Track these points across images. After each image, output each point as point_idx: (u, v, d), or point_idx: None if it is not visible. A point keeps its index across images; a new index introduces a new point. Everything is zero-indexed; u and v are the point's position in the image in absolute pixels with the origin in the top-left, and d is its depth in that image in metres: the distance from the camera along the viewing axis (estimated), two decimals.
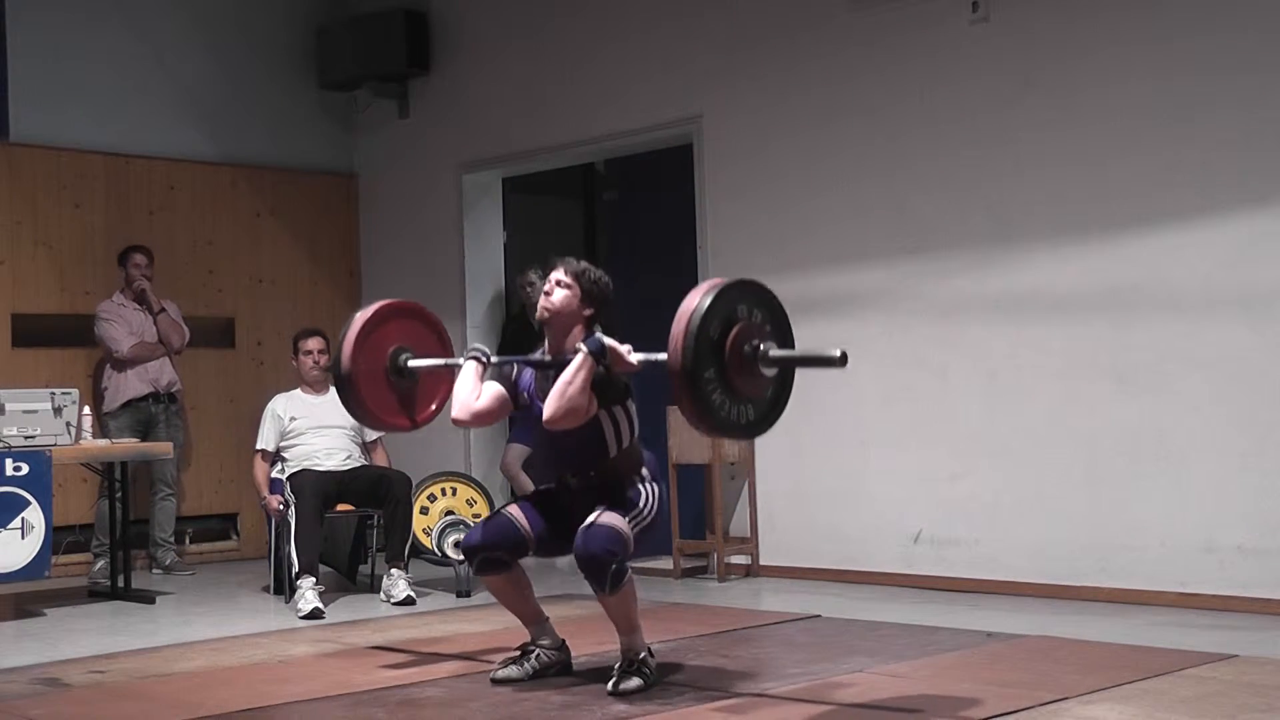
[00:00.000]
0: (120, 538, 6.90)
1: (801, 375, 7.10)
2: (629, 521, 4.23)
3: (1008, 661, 4.59)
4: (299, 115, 8.99)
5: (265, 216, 8.80)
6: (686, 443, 7.01)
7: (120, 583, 6.82)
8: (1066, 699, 3.96)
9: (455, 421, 4.52)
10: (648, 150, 7.87)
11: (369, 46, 8.64)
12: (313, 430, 6.72)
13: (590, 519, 4.21)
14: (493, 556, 4.38)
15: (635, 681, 4.22)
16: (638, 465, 4.39)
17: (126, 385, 7.63)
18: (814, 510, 6.88)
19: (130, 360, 7.62)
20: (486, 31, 8.45)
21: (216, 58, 8.64)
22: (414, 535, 6.66)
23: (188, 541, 8.25)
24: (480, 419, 4.51)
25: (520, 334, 8.30)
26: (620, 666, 4.27)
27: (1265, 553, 5.46)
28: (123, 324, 7.66)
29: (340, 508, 6.66)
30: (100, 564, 7.31)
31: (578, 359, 4.16)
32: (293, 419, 6.75)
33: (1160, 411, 5.76)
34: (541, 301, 4.40)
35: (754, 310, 3.94)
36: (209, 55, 8.61)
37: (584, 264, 4.42)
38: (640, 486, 4.35)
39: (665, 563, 7.18)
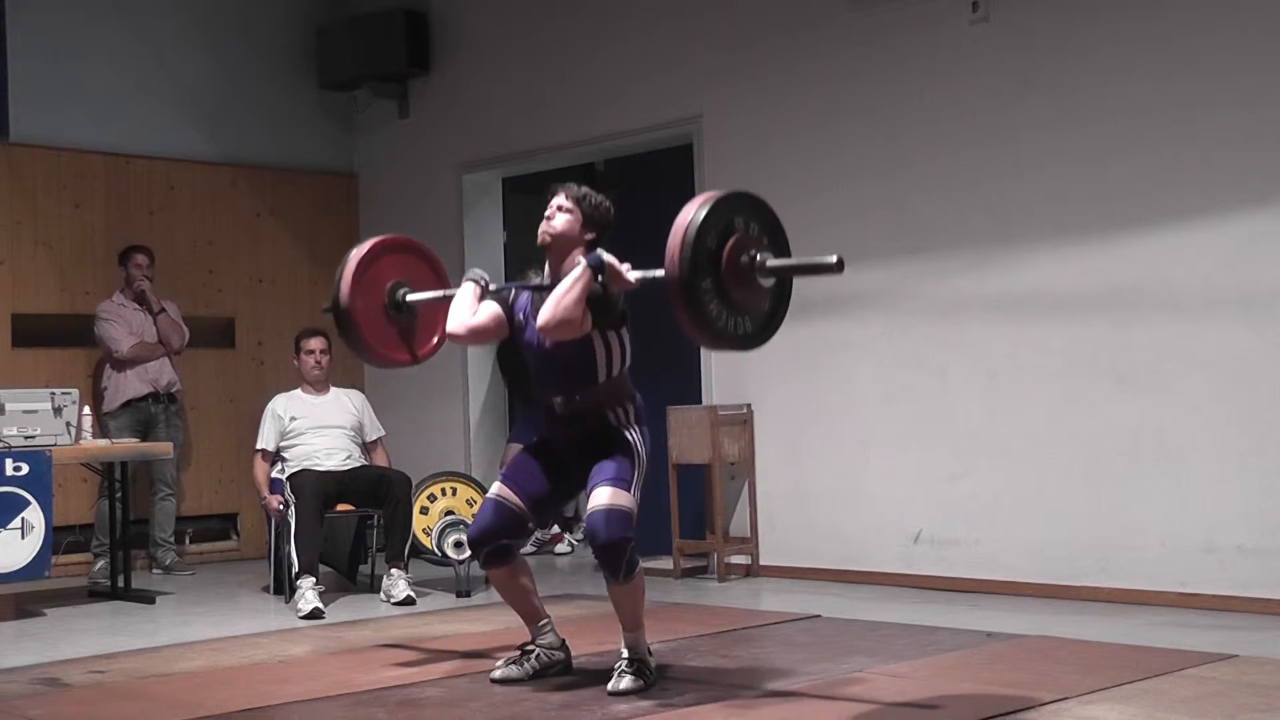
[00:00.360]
0: (120, 538, 6.90)
1: (806, 370, 7.11)
2: (632, 491, 4.23)
3: (1008, 661, 4.59)
4: (299, 115, 8.99)
5: (265, 216, 8.80)
6: (686, 443, 7.02)
7: (120, 583, 6.82)
8: (1066, 699, 3.95)
9: (451, 336, 4.54)
10: (648, 150, 7.87)
11: (369, 46, 8.65)
12: (313, 430, 6.72)
13: (599, 500, 4.18)
14: (498, 546, 4.36)
15: (635, 682, 4.22)
16: (624, 397, 4.36)
17: (126, 385, 7.64)
18: (814, 510, 6.88)
19: (130, 360, 7.62)
20: (486, 31, 8.45)
21: (216, 58, 8.64)
22: (414, 535, 6.65)
23: (188, 541, 8.25)
24: (476, 335, 4.53)
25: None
26: (620, 667, 4.27)
27: (1265, 553, 5.46)
28: (123, 324, 7.66)
29: (340, 508, 6.66)
30: (100, 564, 7.31)
31: (576, 271, 4.16)
32: (293, 419, 6.75)
33: (1160, 411, 5.76)
34: (542, 226, 4.39)
35: (750, 223, 3.96)
36: (209, 55, 8.61)
37: (584, 188, 4.41)
38: (629, 434, 4.32)
39: (665, 563, 7.18)
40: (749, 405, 7.12)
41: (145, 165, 8.32)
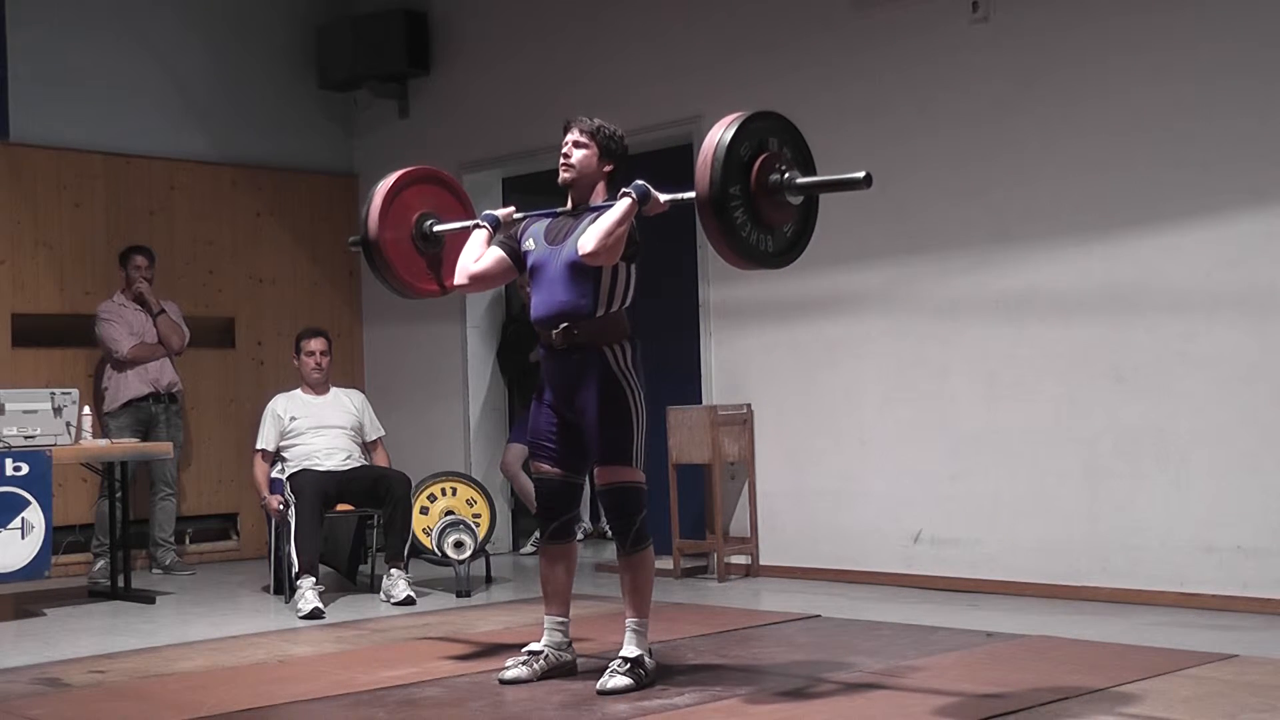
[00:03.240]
0: (120, 538, 6.90)
1: (806, 370, 7.11)
2: (634, 462, 4.32)
3: (1008, 661, 4.59)
4: (299, 115, 9.00)
5: (265, 216, 8.80)
6: (686, 443, 7.02)
7: (120, 583, 6.82)
8: (1066, 699, 3.96)
9: (455, 286, 4.65)
10: (648, 150, 7.86)
11: (369, 46, 8.64)
12: (312, 430, 6.72)
13: (606, 479, 4.31)
14: (566, 520, 4.48)
15: (624, 681, 4.21)
16: (621, 335, 4.39)
17: (127, 385, 7.64)
18: (814, 510, 6.88)
19: (130, 361, 7.62)
20: (486, 31, 8.45)
21: (216, 58, 8.64)
22: (414, 535, 6.66)
23: (188, 541, 8.25)
24: (478, 281, 4.61)
25: (520, 334, 8.32)
26: (613, 665, 4.27)
27: (1265, 553, 5.46)
28: (123, 324, 7.66)
29: (340, 508, 6.66)
30: (100, 564, 7.31)
31: (624, 203, 4.21)
32: (293, 418, 6.75)
33: (1160, 411, 5.76)
34: (561, 163, 4.43)
35: (783, 146, 4.09)
36: (209, 55, 8.62)
37: (596, 120, 4.44)
38: (626, 387, 4.33)
39: (665, 563, 7.17)
40: (749, 405, 7.12)
41: (145, 165, 8.32)
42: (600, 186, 4.43)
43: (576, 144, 4.42)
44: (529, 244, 4.49)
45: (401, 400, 8.62)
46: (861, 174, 3.95)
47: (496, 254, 4.55)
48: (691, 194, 4.02)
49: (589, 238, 4.22)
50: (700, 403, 7.23)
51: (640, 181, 4.28)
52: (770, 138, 4.08)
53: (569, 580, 4.55)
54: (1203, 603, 5.56)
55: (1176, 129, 5.73)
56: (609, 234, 4.19)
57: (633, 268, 4.39)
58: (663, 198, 4.27)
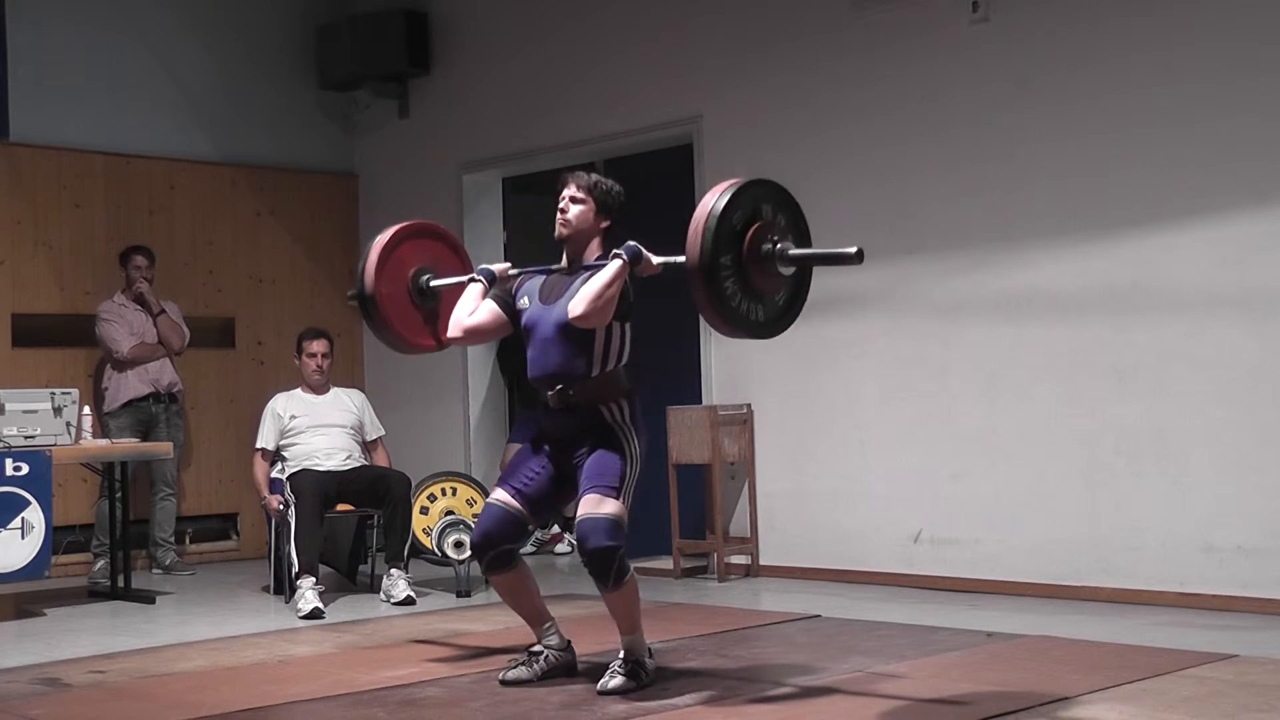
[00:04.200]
0: (120, 538, 6.90)
1: (806, 370, 7.11)
2: (621, 497, 4.22)
3: (1008, 661, 4.59)
4: (299, 115, 8.99)
5: (265, 216, 8.80)
6: (686, 443, 7.02)
7: (120, 583, 6.82)
8: (1066, 699, 3.96)
9: (449, 339, 4.66)
10: (648, 150, 7.87)
11: (369, 46, 8.64)
12: (312, 429, 6.72)
13: (587, 508, 4.18)
14: (501, 552, 4.36)
15: (623, 681, 4.21)
16: (619, 393, 4.35)
17: (127, 385, 7.64)
18: (814, 510, 6.89)
19: (130, 361, 7.62)
20: (486, 31, 8.45)
21: (216, 58, 8.64)
22: (414, 535, 6.66)
23: (188, 541, 8.25)
24: (473, 335, 4.60)
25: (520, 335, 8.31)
26: (613, 666, 4.26)
27: (1265, 553, 5.46)
28: (123, 324, 7.66)
29: (340, 508, 6.66)
30: (100, 564, 7.31)
31: (614, 265, 4.19)
32: (293, 418, 6.75)
33: (1160, 411, 5.76)
34: (559, 219, 4.41)
35: (778, 213, 4.06)
36: (209, 55, 8.62)
37: (594, 176, 4.43)
38: (624, 434, 4.31)
39: (665, 563, 7.18)
40: (749, 405, 7.12)
41: (145, 165, 8.32)
42: (596, 242, 4.39)
43: (574, 199, 4.38)
44: (524, 301, 4.47)
45: (401, 400, 8.61)
46: (854, 250, 3.92)
47: (491, 308, 4.52)
48: (683, 258, 3.96)
49: (579, 301, 4.19)
50: (700, 403, 7.23)
51: (632, 243, 4.25)
52: (764, 205, 4.02)
53: (534, 596, 4.48)
54: (1203, 603, 5.56)
55: (1176, 129, 5.73)
56: (599, 296, 4.16)
57: (626, 326, 4.36)
58: (655, 260, 4.24)
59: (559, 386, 4.33)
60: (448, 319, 4.71)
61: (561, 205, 4.40)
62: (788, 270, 4.06)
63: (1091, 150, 5.97)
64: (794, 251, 4.01)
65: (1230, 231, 5.59)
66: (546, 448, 4.44)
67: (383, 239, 4.88)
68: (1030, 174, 6.16)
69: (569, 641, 4.54)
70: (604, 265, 4.23)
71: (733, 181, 4.00)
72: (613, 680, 4.21)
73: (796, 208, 4.15)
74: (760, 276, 3.99)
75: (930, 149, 6.48)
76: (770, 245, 3.97)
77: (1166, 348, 5.75)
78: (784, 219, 4.08)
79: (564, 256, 4.45)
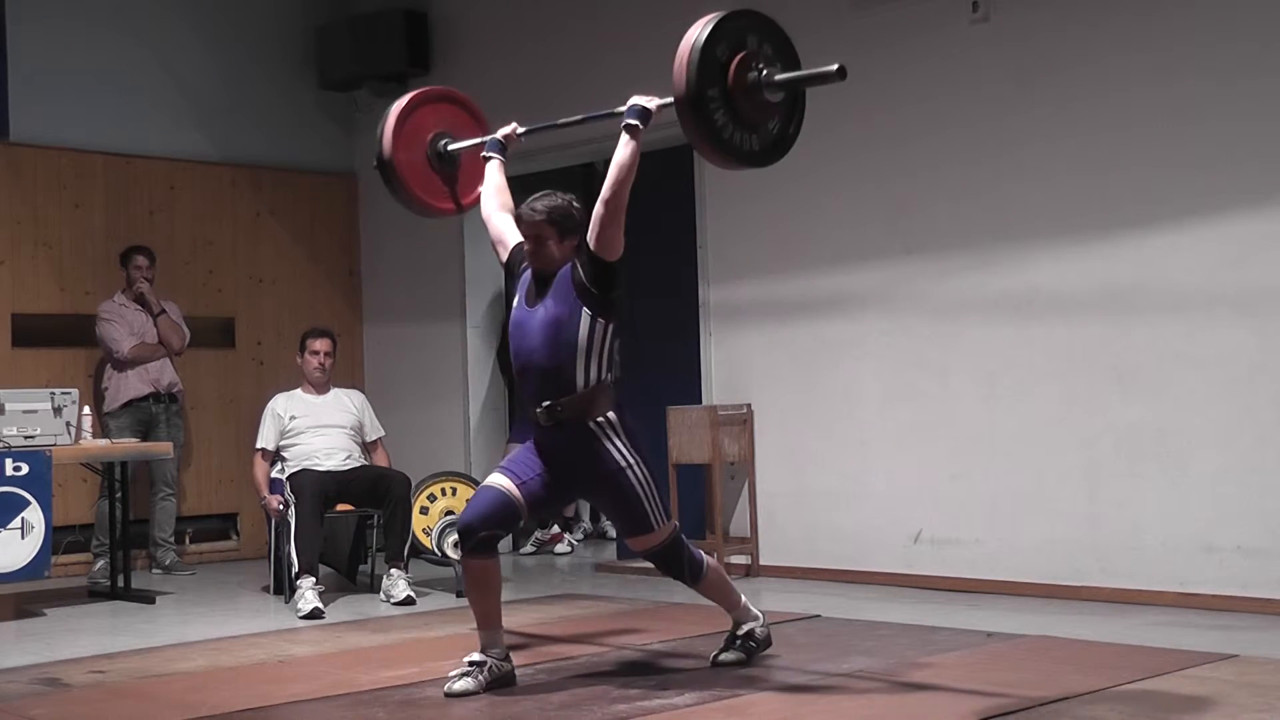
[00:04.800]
0: (120, 538, 6.90)
1: (806, 370, 7.12)
2: (655, 524, 4.37)
3: (1008, 661, 4.59)
4: (298, 115, 8.99)
5: (265, 216, 8.80)
6: (686, 443, 7.02)
7: (120, 583, 6.82)
8: (1066, 699, 3.95)
9: (469, 205, 4.92)
10: (648, 150, 7.83)
11: (369, 46, 8.64)
12: (312, 430, 6.72)
13: (637, 546, 4.44)
14: (490, 536, 4.30)
15: (733, 655, 4.54)
16: (605, 407, 4.34)
17: (127, 385, 7.64)
18: (814, 510, 6.88)
19: (131, 361, 7.62)
20: (486, 31, 8.45)
21: (216, 58, 8.64)
22: (414, 535, 6.65)
23: (188, 541, 8.25)
24: (490, 228, 4.73)
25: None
26: (726, 639, 4.57)
27: (1265, 553, 5.46)
28: (123, 324, 7.66)
29: (340, 508, 6.66)
30: (100, 564, 7.31)
31: (628, 144, 4.30)
32: (293, 418, 6.75)
33: (1160, 411, 5.76)
34: (532, 263, 4.43)
35: (763, 43, 4.08)
36: (209, 55, 8.61)
37: (543, 204, 4.40)
38: (623, 462, 4.32)
39: None
40: (749, 405, 7.12)
41: (145, 165, 8.32)
42: (569, 254, 4.39)
43: (538, 239, 4.38)
44: (517, 289, 4.49)
45: (401, 400, 8.61)
46: (834, 67, 3.96)
47: (508, 222, 4.63)
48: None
49: (606, 185, 4.26)
50: (700, 403, 7.23)
51: (635, 103, 4.30)
52: (749, 35, 4.05)
53: (496, 595, 4.38)
54: (1203, 603, 5.56)
55: (1177, 129, 5.73)
56: (624, 179, 4.26)
57: (611, 328, 4.34)
58: (654, 105, 4.27)
59: (546, 404, 4.32)
60: (467, 182, 4.85)
61: (528, 247, 4.42)
62: (776, 97, 4.06)
63: (1092, 150, 5.97)
64: (778, 77, 4.02)
65: (1230, 231, 5.59)
66: (545, 458, 4.42)
67: (399, 104, 4.92)
68: (1030, 174, 6.16)
69: (509, 651, 4.43)
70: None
71: (715, 14, 4.01)
72: (724, 653, 4.55)
73: (782, 35, 4.16)
74: (750, 106, 4.01)
75: (930, 149, 6.48)
76: (756, 74, 3.99)
77: (1166, 348, 5.75)
78: (770, 47, 4.09)
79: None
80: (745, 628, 4.59)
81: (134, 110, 8.28)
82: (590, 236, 4.30)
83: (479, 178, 4.91)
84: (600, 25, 7.86)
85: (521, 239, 4.50)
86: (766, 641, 4.62)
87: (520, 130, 4.76)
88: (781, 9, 7.00)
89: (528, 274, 4.50)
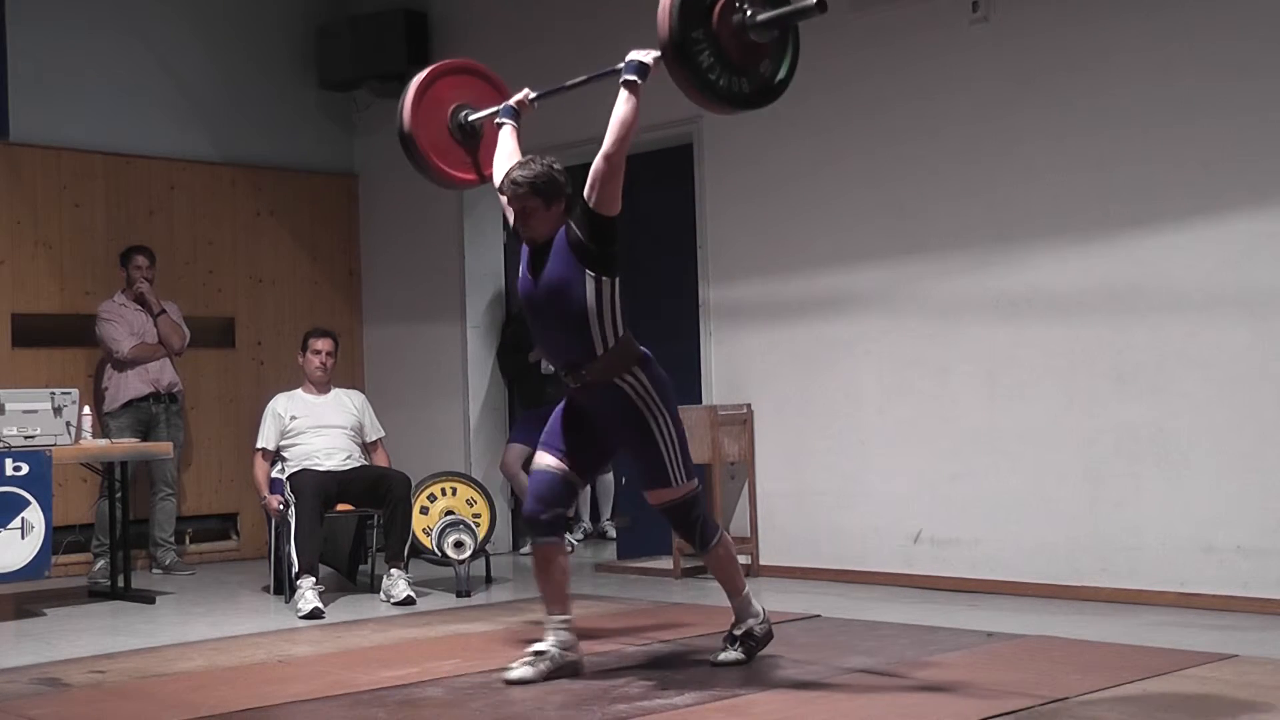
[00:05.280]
0: (120, 538, 6.90)
1: (806, 370, 7.11)
2: (674, 480, 4.40)
3: (1008, 661, 4.59)
4: (299, 115, 9.00)
5: (265, 216, 8.81)
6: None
7: (120, 583, 6.83)
8: (1066, 699, 3.95)
9: (490, 175, 4.82)
10: (648, 150, 7.86)
11: (369, 46, 8.64)
12: (313, 430, 6.72)
13: (656, 501, 4.44)
14: (556, 515, 4.44)
15: (734, 655, 4.52)
16: (631, 361, 4.39)
17: (127, 385, 7.64)
18: (814, 510, 6.88)
19: (131, 361, 7.62)
20: (486, 31, 8.45)
21: (216, 58, 8.64)
22: (414, 535, 6.66)
23: (188, 541, 8.25)
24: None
25: (520, 334, 8.31)
26: (725, 640, 4.57)
27: (1265, 553, 5.46)
28: (123, 324, 7.66)
29: (340, 508, 6.66)
30: (100, 564, 7.31)
31: (627, 100, 4.29)
32: (293, 418, 6.75)
33: (1160, 411, 5.76)
34: (522, 235, 4.44)
35: None
36: (209, 55, 8.62)
37: (524, 173, 4.38)
38: (650, 412, 4.37)
39: (665, 563, 7.18)
40: (749, 405, 7.12)
41: (145, 165, 8.32)
42: (561, 217, 4.39)
43: (524, 211, 4.38)
44: (520, 269, 4.50)
45: (401, 400, 8.62)
46: (813, 1, 3.93)
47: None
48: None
49: (607, 141, 4.25)
50: (700, 403, 7.23)
51: (634, 58, 4.29)
52: None
53: (565, 579, 4.54)
54: (1203, 603, 5.56)
55: (1177, 128, 5.73)
56: (624, 137, 4.25)
57: (616, 283, 4.37)
58: (648, 59, 4.25)
59: (571, 369, 4.39)
60: (489, 154, 4.85)
61: (515, 220, 4.43)
62: (764, 38, 4.03)
63: (1092, 150, 5.97)
64: (763, 16, 3.99)
65: (1230, 231, 5.59)
66: (578, 411, 4.49)
67: (419, 77, 4.96)
68: (1030, 173, 6.16)
69: (577, 641, 4.53)
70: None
71: None
72: (724, 654, 4.53)
73: None
74: (738, 48, 3.99)
75: (930, 149, 6.48)
76: (740, 15, 3.97)
77: (1166, 348, 5.75)
78: None
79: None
80: (745, 625, 4.58)
81: (134, 110, 8.29)
82: (588, 193, 4.30)
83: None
84: (599, 25, 7.85)
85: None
86: (767, 638, 4.62)
87: (532, 95, 4.79)
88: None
89: (524, 253, 4.51)
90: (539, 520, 4.45)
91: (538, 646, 4.47)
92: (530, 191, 4.36)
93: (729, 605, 4.66)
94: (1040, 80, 6.13)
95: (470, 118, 4.97)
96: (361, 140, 9.18)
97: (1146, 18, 5.83)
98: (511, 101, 4.83)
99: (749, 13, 4.00)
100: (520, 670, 4.40)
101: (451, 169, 5.00)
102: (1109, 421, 5.90)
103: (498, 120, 4.82)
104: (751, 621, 4.60)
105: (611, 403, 4.39)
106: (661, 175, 7.84)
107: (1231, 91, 5.59)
